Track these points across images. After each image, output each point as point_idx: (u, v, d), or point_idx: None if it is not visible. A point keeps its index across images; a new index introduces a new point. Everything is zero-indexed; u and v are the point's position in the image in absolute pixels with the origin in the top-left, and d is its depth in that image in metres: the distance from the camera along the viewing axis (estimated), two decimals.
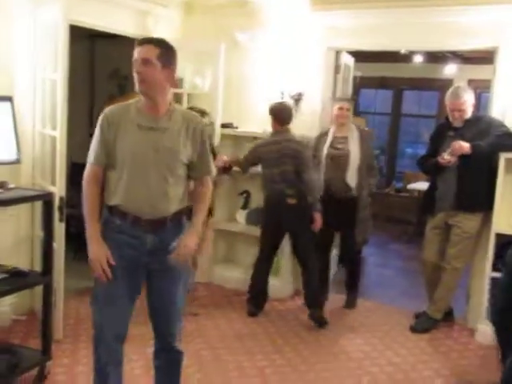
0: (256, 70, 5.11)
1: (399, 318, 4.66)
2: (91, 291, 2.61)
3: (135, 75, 2.45)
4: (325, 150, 4.59)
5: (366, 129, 5.68)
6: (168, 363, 2.77)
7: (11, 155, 3.25)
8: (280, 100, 4.69)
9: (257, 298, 4.60)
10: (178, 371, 2.80)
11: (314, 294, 4.44)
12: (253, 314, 4.56)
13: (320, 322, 4.39)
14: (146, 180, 2.47)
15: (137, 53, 2.45)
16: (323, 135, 4.72)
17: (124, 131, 2.49)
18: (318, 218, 4.42)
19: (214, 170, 2.76)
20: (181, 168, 2.55)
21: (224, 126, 5.06)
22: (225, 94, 4.94)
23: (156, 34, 4.84)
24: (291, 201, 4.36)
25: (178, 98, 5.18)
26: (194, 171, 2.62)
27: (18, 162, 3.31)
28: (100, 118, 2.57)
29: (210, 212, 4.35)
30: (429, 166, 4.46)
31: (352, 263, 4.91)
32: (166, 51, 2.48)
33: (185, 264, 2.61)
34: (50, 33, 3.67)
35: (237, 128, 5.17)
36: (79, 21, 3.97)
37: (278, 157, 4.38)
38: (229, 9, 5.03)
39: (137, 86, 2.47)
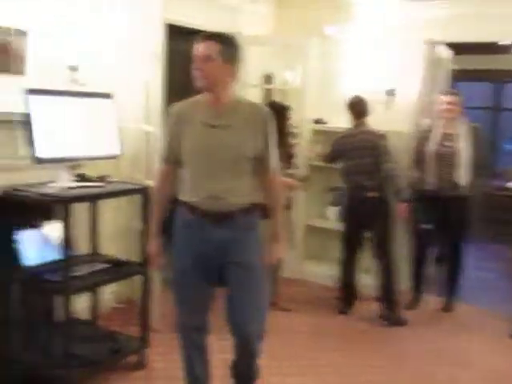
0: (346, 64, 5.04)
1: (499, 324, 4.41)
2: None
3: (195, 71, 2.45)
4: (431, 147, 4.43)
5: (475, 124, 5.41)
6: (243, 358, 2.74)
7: (113, 150, 3.40)
8: (357, 94, 4.57)
9: (346, 296, 4.54)
10: (253, 365, 2.76)
11: (388, 291, 4.32)
12: (342, 311, 4.49)
13: (391, 321, 4.27)
14: (210, 176, 2.50)
15: (197, 49, 2.44)
16: (427, 131, 4.56)
17: (189, 128, 2.52)
18: (403, 208, 4.32)
19: (279, 163, 2.70)
20: (246, 163, 2.53)
21: (316, 121, 5.03)
22: (315, 89, 4.91)
23: (246, 30, 4.90)
24: (371, 194, 4.27)
25: (267, 94, 5.23)
26: (260, 164, 2.59)
27: (118, 156, 3.45)
28: (168, 114, 2.63)
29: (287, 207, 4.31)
30: None
31: (453, 263, 4.69)
32: (227, 46, 2.46)
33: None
34: (148, 31, 3.80)
35: (326, 123, 5.13)
36: (175, 19, 4.09)
37: (356, 149, 4.32)
38: (319, 2, 5.00)
39: (198, 82, 2.47)
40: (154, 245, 2.71)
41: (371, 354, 3.79)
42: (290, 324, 4.22)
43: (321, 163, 5.01)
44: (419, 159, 4.50)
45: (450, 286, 4.71)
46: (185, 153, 2.55)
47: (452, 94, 4.56)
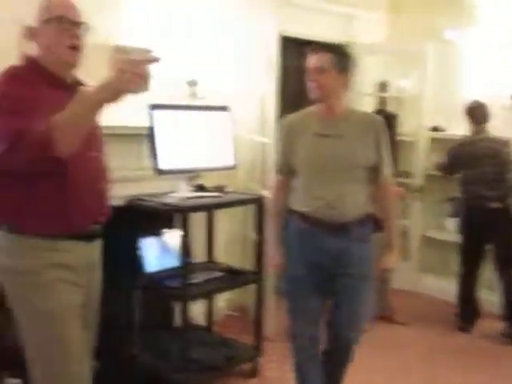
0: (467, 69, 4.81)
1: None
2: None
3: (310, 83, 2.49)
4: None
5: None
6: (339, 360, 2.74)
7: (229, 161, 3.49)
8: (476, 99, 4.33)
9: (466, 313, 4.30)
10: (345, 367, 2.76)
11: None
12: (463, 329, 4.26)
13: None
14: (325, 186, 2.50)
15: (310, 61, 2.48)
16: None
17: (302, 138, 2.55)
18: None
19: (391, 172, 2.67)
20: (360, 172, 2.52)
21: (432, 129, 4.86)
22: (432, 96, 4.74)
23: (360, 39, 4.84)
24: (494, 204, 4.02)
25: (382, 102, 5.12)
26: (373, 174, 2.57)
27: (234, 167, 3.54)
28: (280, 126, 2.69)
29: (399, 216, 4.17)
30: None
31: None
32: (339, 57, 2.48)
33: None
34: (263, 44, 3.87)
35: (444, 131, 4.93)
36: (289, 31, 4.13)
37: (476, 158, 4.09)
38: (437, 6, 4.82)
39: (311, 94, 2.50)
40: (278, 255, 2.73)
41: (492, 374, 3.57)
42: (405, 338, 4.08)
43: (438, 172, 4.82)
44: None
45: None
46: (298, 163, 2.57)
47: None
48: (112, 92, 1.66)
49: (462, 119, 4.37)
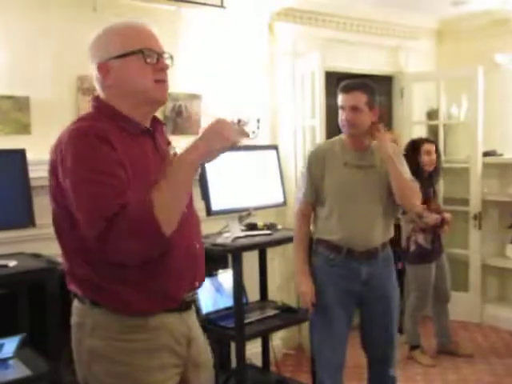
0: None
1: None
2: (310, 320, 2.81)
3: (344, 121, 2.60)
4: None
5: None
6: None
7: (278, 199, 3.50)
8: None
9: None
10: None
11: None
12: None
13: None
14: (357, 214, 2.59)
15: (344, 100, 2.61)
16: None
17: (331, 168, 2.62)
18: None
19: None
20: (388, 200, 2.62)
21: (486, 154, 4.74)
22: (485, 121, 4.64)
23: (408, 68, 4.82)
24: None
25: (433, 131, 5.05)
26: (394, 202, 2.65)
27: (284, 204, 3.55)
28: (307, 156, 2.74)
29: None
30: None
31: None
32: (371, 95, 2.61)
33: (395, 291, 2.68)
34: (308, 81, 3.90)
35: (501, 155, 4.80)
36: (334, 66, 4.16)
37: None
38: (487, 30, 4.74)
39: (345, 130, 2.63)
40: (308, 284, 2.68)
41: None
42: (474, 373, 3.91)
43: (498, 198, 4.69)
44: None
45: None
46: (329, 192, 2.63)
47: None
48: (211, 147, 1.52)
49: None
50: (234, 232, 3.24)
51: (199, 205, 3.21)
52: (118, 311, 1.56)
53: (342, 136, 2.71)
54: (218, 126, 1.54)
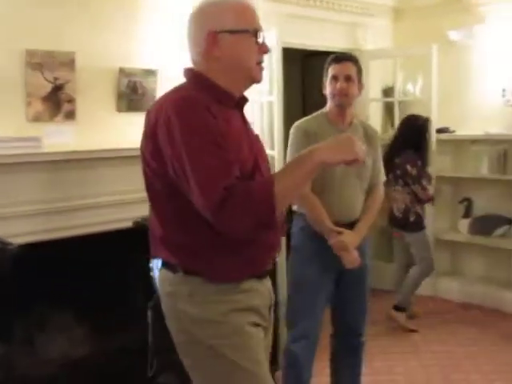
0: (473, 69, 4.78)
1: None
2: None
3: (336, 90, 2.64)
4: None
5: None
6: (352, 351, 2.88)
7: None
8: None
9: None
10: (361, 358, 2.91)
11: None
12: None
13: None
14: (341, 188, 2.66)
15: (337, 69, 2.65)
16: None
17: (320, 141, 2.57)
18: None
19: (383, 179, 2.88)
20: (365, 179, 2.74)
21: (439, 130, 4.82)
22: (439, 98, 4.71)
23: (366, 45, 4.82)
24: None
25: (388, 107, 5.10)
26: (371, 180, 2.78)
27: None
28: (293, 131, 2.76)
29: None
30: None
31: None
32: (359, 67, 2.71)
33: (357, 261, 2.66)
34: (266, 57, 3.85)
35: (454, 132, 4.90)
36: (292, 43, 4.13)
37: None
38: (441, 7, 4.78)
39: (336, 100, 2.65)
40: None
41: None
42: (424, 343, 4.05)
43: (451, 174, 4.79)
44: None
45: None
46: None
47: None
48: (335, 157, 1.57)
49: (471, 120, 4.36)
50: None
51: None
52: (211, 278, 1.62)
53: (324, 110, 2.74)
54: (352, 140, 1.59)
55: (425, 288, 4.87)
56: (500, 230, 4.74)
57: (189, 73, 1.69)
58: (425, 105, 4.76)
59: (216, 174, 1.46)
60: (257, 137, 1.79)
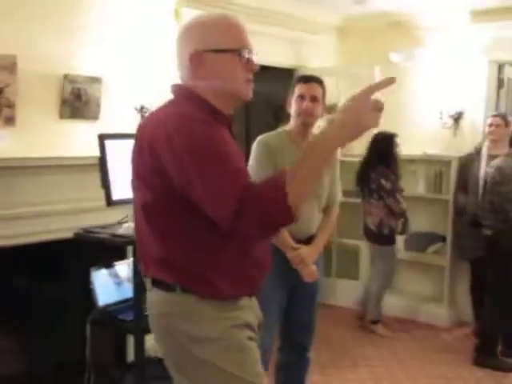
0: (413, 91, 4.96)
1: None
2: None
3: (302, 110, 2.67)
4: (481, 170, 4.30)
5: None
6: (297, 366, 2.91)
7: None
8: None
9: None
10: (307, 372, 2.95)
11: None
12: None
13: None
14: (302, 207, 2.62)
15: (304, 89, 2.69)
16: (472, 155, 4.48)
17: (281, 159, 2.64)
18: None
19: (340, 198, 2.94)
20: (324, 196, 2.79)
21: None
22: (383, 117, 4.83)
23: (310, 63, 4.91)
24: None
25: None
26: (328, 198, 2.84)
27: None
28: (257, 145, 2.76)
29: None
30: None
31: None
32: (324, 89, 2.75)
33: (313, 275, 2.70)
34: None
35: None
36: None
37: None
38: (384, 29, 4.96)
39: (302, 118, 2.69)
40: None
41: None
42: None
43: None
44: (464, 183, 4.48)
45: None
46: None
47: (497, 115, 4.39)
48: (352, 135, 1.48)
49: (410, 140, 4.52)
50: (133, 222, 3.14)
51: (99, 194, 3.10)
52: (209, 296, 1.61)
53: (287, 128, 2.78)
54: (360, 111, 1.47)
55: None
56: (434, 247, 4.92)
57: (179, 89, 1.67)
58: None
59: (226, 188, 1.44)
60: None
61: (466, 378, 3.82)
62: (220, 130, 1.58)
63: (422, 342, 4.42)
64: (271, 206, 1.43)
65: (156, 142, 1.52)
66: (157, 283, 1.65)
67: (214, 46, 1.59)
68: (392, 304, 4.97)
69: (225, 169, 1.46)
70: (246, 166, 1.68)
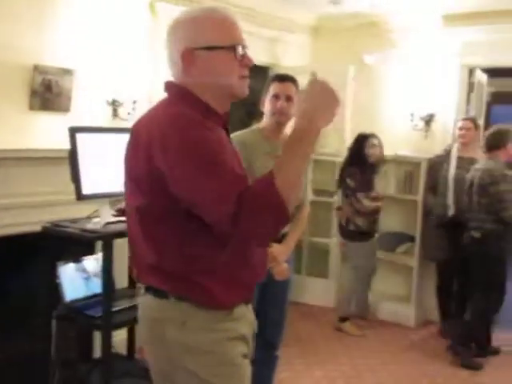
0: (385, 91, 5.01)
1: None
2: None
3: (277, 109, 2.69)
4: (450, 171, 4.40)
5: None
6: (265, 364, 2.88)
7: None
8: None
9: None
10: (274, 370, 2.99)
11: None
12: None
13: None
14: None
15: (279, 88, 2.70)
16: (441, 156, 4.56)
17: (255, 156, 2.64)
18: None
19: (309, 199, 3.00)
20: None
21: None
22: (353, 118, 4.88)
23: (284, 61, 4.91)
24: None
25: None
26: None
27: None
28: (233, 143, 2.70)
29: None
30: None
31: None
32: (298, 88, 2.74)
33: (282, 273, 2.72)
34: None
35: None
36: None
37: None
38: (357, 31, 5.00)
39: (276, 118, 2.71)
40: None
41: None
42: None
43: None
44: (433, 184, 4.56)
45: None
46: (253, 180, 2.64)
47: (468, 119, 4.50)
48: (325, 122, 1.51)
49: (382, 140, 4.57)
50: (104, 217, 3.10)
51: (69, 188, 3.05)
52: (205, 304, 1.57)
53: (260, 126, 2.79)
54: (328, 87, 1.53)
55: (329, 301, 5.04)
56: (403, 247, 4.98)
57: (173, 87, 1.61)
58: (338, 124, 4.91)
59: (223, 192, 1.40)
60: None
61: (433, 377, 3.88)
62: (216, 131, 1.54)
63: (390, 341, 4.47)
64: (265, 202, 1.40)
65: (151, 142, 1.47)
66: (150, 290, 1.61)
67: (206, 44, 1.54)
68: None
69: (221, 172, 1.42)
70: (243, 166, 1.63)
